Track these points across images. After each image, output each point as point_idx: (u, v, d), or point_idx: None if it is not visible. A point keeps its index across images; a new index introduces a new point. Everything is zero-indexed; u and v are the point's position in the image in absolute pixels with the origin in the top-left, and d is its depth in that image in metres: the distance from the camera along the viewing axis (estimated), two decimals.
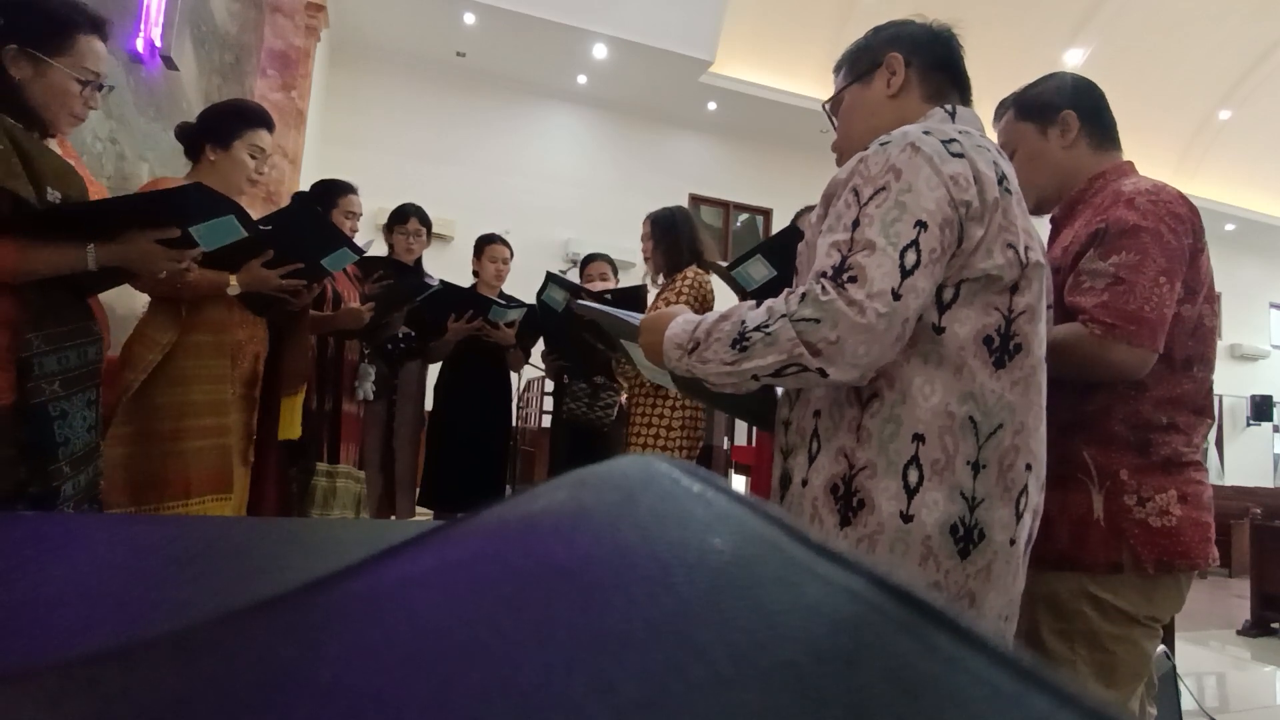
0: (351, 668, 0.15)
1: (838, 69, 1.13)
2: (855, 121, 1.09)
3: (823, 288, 0.81)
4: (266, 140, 1.86)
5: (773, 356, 0.82)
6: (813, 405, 0.94)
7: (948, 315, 0.87)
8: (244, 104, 1.97)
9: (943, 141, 0.87)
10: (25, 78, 1.30)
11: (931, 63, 1.05)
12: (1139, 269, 1.10)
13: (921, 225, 0.82)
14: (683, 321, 0.93)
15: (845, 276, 0.81)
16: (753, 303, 0.88)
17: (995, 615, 0.89)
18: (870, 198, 0.85)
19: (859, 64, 1.09)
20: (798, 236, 1.53)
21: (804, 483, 0.92)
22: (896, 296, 0.80)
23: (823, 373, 0.81)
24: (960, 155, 0.87)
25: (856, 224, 0.84)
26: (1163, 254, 1.11)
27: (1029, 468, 0.89)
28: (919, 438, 0.85)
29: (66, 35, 1.32)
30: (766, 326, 0.83)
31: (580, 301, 1.21)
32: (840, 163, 1.08)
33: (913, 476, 0.85)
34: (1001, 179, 0.90)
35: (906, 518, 0.84)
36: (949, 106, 1.00)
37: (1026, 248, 0.89)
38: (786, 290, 0.85)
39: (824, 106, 1.15)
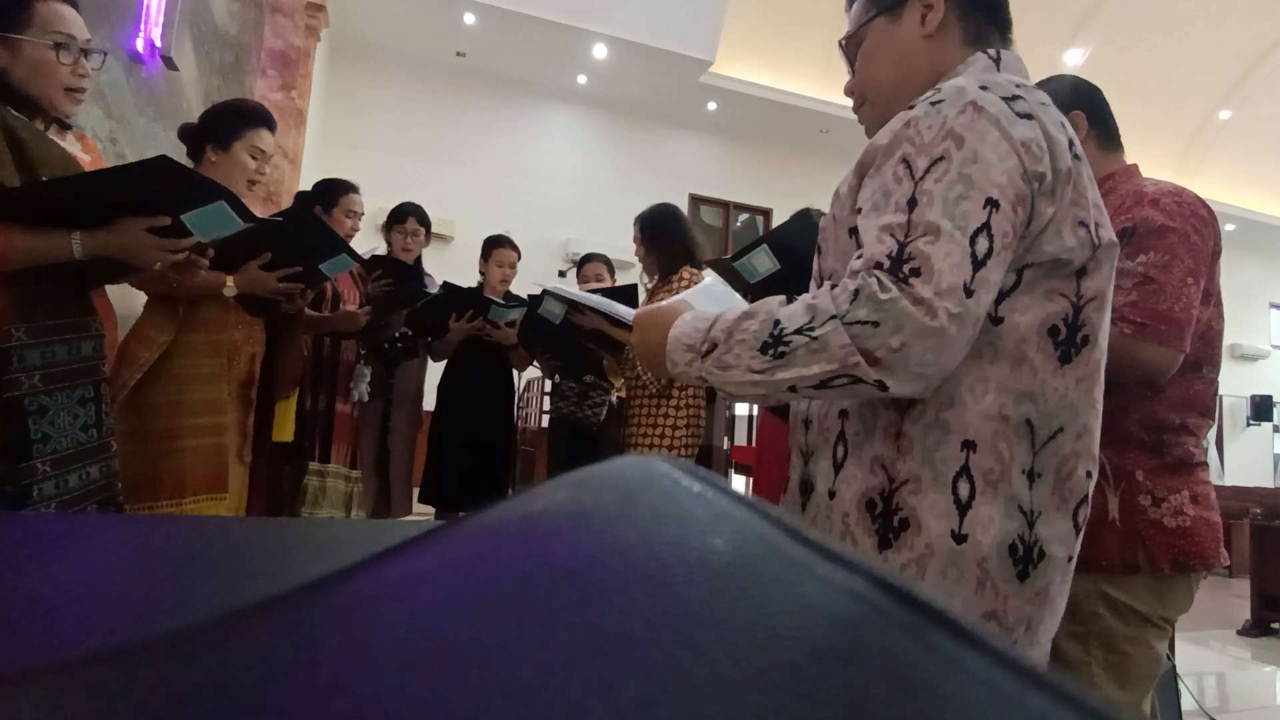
0: (351, 668, 0.15)
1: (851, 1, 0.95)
2: (881, 65, 0.91)
3: (879, 283, 0.68)
4: (268, 140, 1.85)
5: (819, 366, 0.69)
6: (840, 403, 0.82)
7: (1006, 303, 0.74)
8: (245, 104, 1.96)
9: (1005, 99, 0.73)
10: (4, 62, 1.29)
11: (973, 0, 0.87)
12: (1168, 269, 1.11)
13: (993, 204, 0.69)
14: (692, 319, 0.80)
15: (907, 269, 0.68)
16: (781, 298, 0.76)
17: (1045, 639, 0.79)
18: (927, 170, 0.71)
19: None
20: (803, 230, 1.53)
21: (830, 494, 0.81)
22: (969, 293, 0.67)
23: (882, 385, 0.68)
24: (1029, 116, 0.73)
25: (913, 203, 0.70)
26: (1190, 255, 1.12)
27: (1089, 475, 0.78)
28: (969, 445, 0.73)
29: (23, 6, 1.30)
30: (811, 330, 0.70)
31: (556, 291, 1.07)
32: (860, 115, 0.95)
33: (963, 490, 0.73)
34: (1071, 142, 0.77)
35: (959, 538, 0.72)
36: (992, 52, 0.85)
37: (1098, 224, 0.77)
38: (828, 285, 0.73)
39: (840, 44, 0.96)
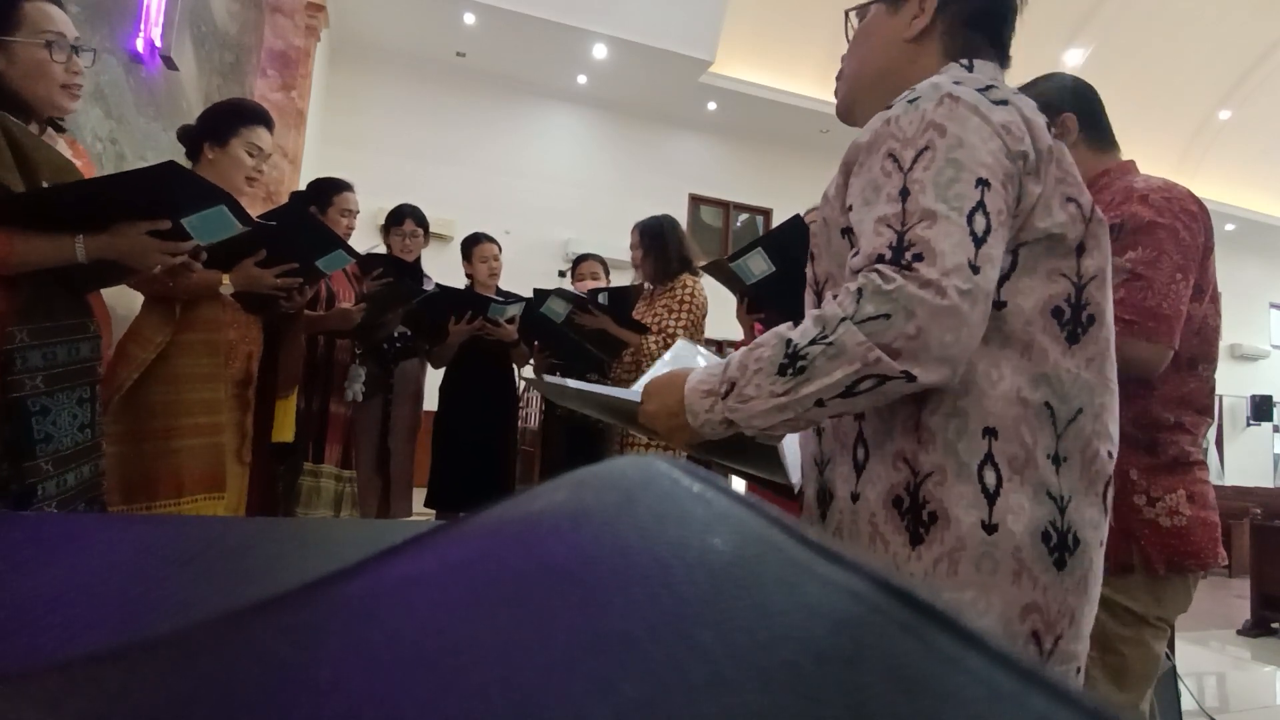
0: (351, 668, 0.15)
1: None
2: (863, 53, 0.92)
3: (881, 275, 0.67)
4: (265, 139, 1.85)
5: (841, 371, 0.67)
6: None
7: (1007, 287, 0.74)
8: (242, 102, 1.97)
9: (979, 89, 0.75)
10: None
11: (969, 15, 0.86)
12: (1156, 265, 1.10)
13: (984, 184, 0.70)
14: (704, 370, 0.79)
15: (909, 255, 0.67)
16: (789, 324, 0.74)
17: (1087, 632, 0.76)
18: (914, 160, 0.72)
19: None
20: (799, 233, 1.54)
21: (854, 497, 0.78)
22: (975, 269, 0.67)
23: (909, 376, 0.66)
24: (1004, 102, 0.75)
25: (905, 192, 0.71)
26: (1178, 251, 1.11)
27: (1110, 455, 0.78)
28: (991, 432, 0.72)
29: (10, 9, 1.30)
30: (825, 338, 0.68)
31: (551, 380, 1.03)
32: (838, 93, 0.95)
33: (990, 478, 0.71)
34: (1050, 124, 0.79)
35: (989, 528, 0.71)
36: (965, 61, 0.84)
37: (1090, 202, 0.78)
38: (830, 294, 0.72)
39: (846, 12, 0.95)
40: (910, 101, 0.76)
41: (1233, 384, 11.14)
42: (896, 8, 0.89)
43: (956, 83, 0.75)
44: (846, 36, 0.96)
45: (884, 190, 0.73)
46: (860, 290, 0.68)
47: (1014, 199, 0.73)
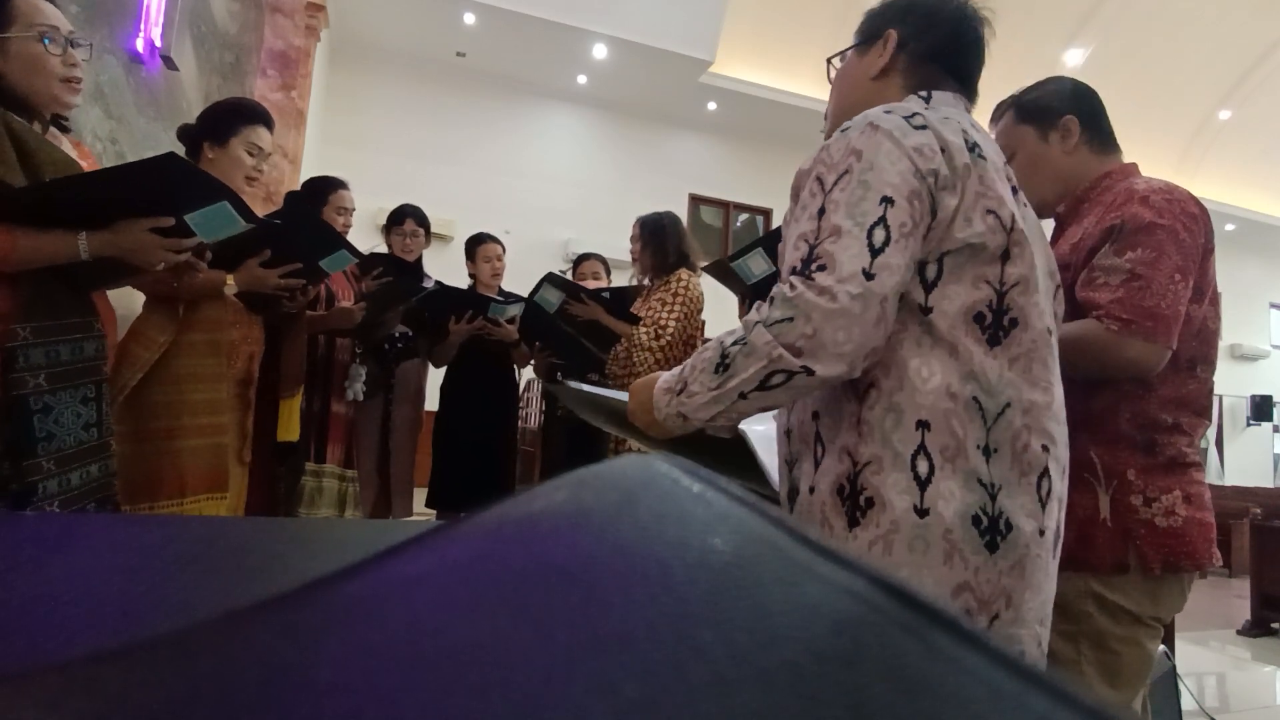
0: (351, 668, 0.15)
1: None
2: (839, 92, 1.04)
3: (790, 285, 0.78)
4: (265, 138, 1.85)
5: (754, 366, 0.78)
6: (811, 407, 0.89)
7: (934, 294, 0.82)
8: (242, 101, 1.97)
9: (905, 117, 0.83)
10: None
11: (930, 50, 0.96)
12: (1155, 265, 1.11)
13: (887, 201, 0.78)
14: (673, 370, 0.90)
15: (814, 266, 0.78)
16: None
17: (1033, 618, 0.81)
18: (835, 183, 0.81)
19: (866, 28, 1.01)
20: None
21: (811, 490, 0.86)
22: (869, 276, 0.76)
23: (809, 371, 0.76)
24: (924, 127, 0.82)
25: (822, 211, 0.81)
26: (1178, 251, 1.12)
27: (1045, 449, 0.82)
28: (923, 424, 0.79)
29: (2, 4, 1.30)
30: (744, 339, 0.80)
31: (569, 385, 1.13)
32: (824, 131, 1.03)
33: (922, 467, 0.78)
34: (974, 147, 0.84)
35: (921, 512, 0.77)
36: (924, 93, 0.93)
37: (1012, 214, 0.84)
38: (757, 302, 0.82)
39: (828, 61, 1.08)
40: (843, 131, 0.86)
41: (1233, 384, 11.14)
42: (865, 50, 1.00)
43: (887, 112, 0.84)
44: (829, 79, 1.07)
45: (808, 210, 0.83)
46: (772, 298, 0.79)
47: (926, 212, 0.80)
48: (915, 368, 0.80)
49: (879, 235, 0.77)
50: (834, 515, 0.82)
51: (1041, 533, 0.81)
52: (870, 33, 1.00)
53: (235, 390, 1.84)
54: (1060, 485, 0.85)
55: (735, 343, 0.81)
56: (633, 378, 2.43)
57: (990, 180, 0.84)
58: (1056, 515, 0.85)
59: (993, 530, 0.78)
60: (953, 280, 0.82)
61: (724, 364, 0.81)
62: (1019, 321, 0.83)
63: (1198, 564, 1.13)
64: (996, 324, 0.82)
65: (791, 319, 0.76)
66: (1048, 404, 0.84)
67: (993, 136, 1.24)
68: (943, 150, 0.82)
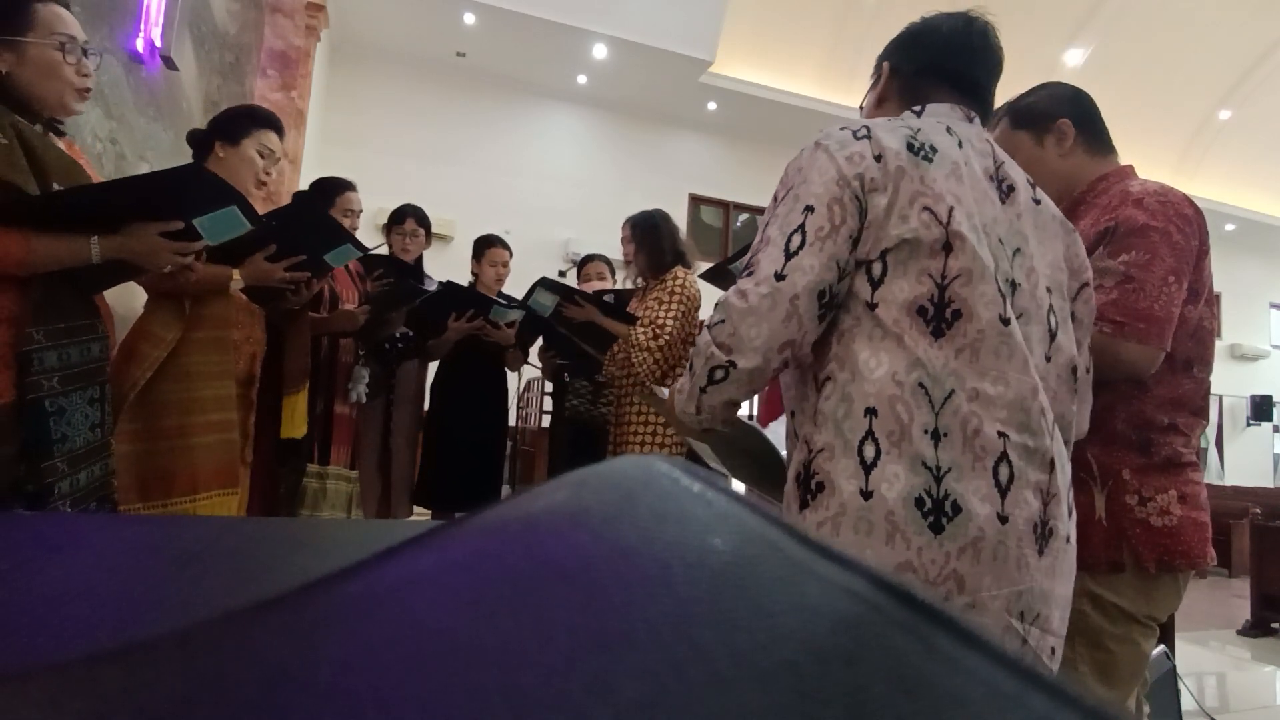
0: (351, 668, 0.15)
1: None
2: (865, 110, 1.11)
3: (727, 292, 0.87)
4: (276, 143, 1.87)
5: (700, 364, 0.88)
6: (789, 405, 0.95)
7: (880, 290, 0.86)
8: (256, 108, 2.01)
9: (852, 131, 0.89)
10: (9, 66, 1.30)
11: (920, 67, 1.01)
12: (1149, 267, 1.11)
13: (808, 209, 0.85)
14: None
15: (745, 273, 0.87)
16: None
17: (1000, 607, 0.79)
18: (781, 199, 0.90)
19: (874, 70, 1.08)
20: None
21: (787, 480, 0.93)
22: (780, 277, 0.84)
23: (734, 365, 0.85)
24: (865, 137, 0.88)
25: (766, 224, 0.89)
26: (1171, 253, 1.12)
27: (1003, 436, 0.81)
28: (871, 411, 0.82)
29: (22, 10, 1.31)
30: (697, 344, 0.90)
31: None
32: None
33: (869, 452, 0.81)
34: (919, 149, 0.88)
35: (866, 494, 0.80)
36: (917, 108, 0.98)
37: (951, 210, 0.86)
38: None
39: (860, 107, 1.16)
40: (802, 151, 0.92)
41: (1233, 384, 11.14)
42: (874, 87, 1.08)
43: (841, 129, 0.91)
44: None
45: (761, 225, 0.91)
46: (716, 305, 0.88)
47: (852, 214, 0.86)
48: (865, 359, 0.85)
49: (795, 240, 0.85)
50: (792, 499, 0.88)
51: (1004, 519, 0.79)
52: (875, 71, 1.08)
53: (237, 390, 1.84)
54: (1039, 476, 0.83)
55: (695, 348, 0.91)
56: (631, 379, 2.43)
57: (931, 181, 0.87)
58: (1035, 505, 0.82)
59: (937, 511, 0.79)
60: (897, 275, 0.86)
61: (690, 365, 0.92)
62: (962, 313, 0.85)
63: (1193, 563, 1.14)
64: (939, 316, 0.85)
65: (722, 321, 0.86)
66: (1003, 393, 0.83)
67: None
68: (877, 157, 0.87)
